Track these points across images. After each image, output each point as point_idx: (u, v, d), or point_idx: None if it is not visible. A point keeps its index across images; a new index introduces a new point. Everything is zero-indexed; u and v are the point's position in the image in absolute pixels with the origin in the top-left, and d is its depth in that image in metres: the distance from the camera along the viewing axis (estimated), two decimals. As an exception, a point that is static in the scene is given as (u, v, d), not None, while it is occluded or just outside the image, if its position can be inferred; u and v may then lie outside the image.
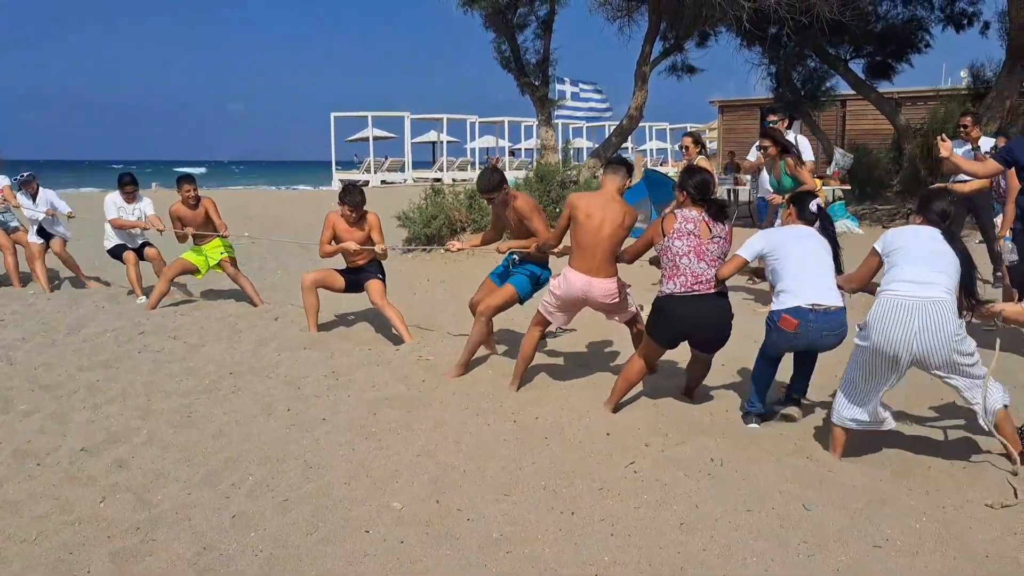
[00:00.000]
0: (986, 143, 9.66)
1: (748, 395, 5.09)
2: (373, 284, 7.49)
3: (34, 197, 10.24)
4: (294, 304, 9.00)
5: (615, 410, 5.23)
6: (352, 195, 7.31)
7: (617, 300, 5.54)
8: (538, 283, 6.20)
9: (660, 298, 5.03)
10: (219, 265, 9.09)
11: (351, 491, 4.13)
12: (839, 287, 4.78)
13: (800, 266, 4.73)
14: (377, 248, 7.43)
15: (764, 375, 4.99)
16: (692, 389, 5.52)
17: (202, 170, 68.33)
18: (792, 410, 5.02)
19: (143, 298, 9.16)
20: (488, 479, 4.23)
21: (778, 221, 7.51)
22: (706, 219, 4.97)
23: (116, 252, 9.57)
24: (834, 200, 15.89)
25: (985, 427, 4.23)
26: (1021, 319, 4.25)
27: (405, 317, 8.13)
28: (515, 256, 6.32)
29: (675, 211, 5.07)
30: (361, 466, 4.45)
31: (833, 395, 5.18)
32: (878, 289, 4.30)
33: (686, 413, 5.20)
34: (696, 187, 5.02)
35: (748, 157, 9.49)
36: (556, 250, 5.90)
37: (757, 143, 8.88)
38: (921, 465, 4.36)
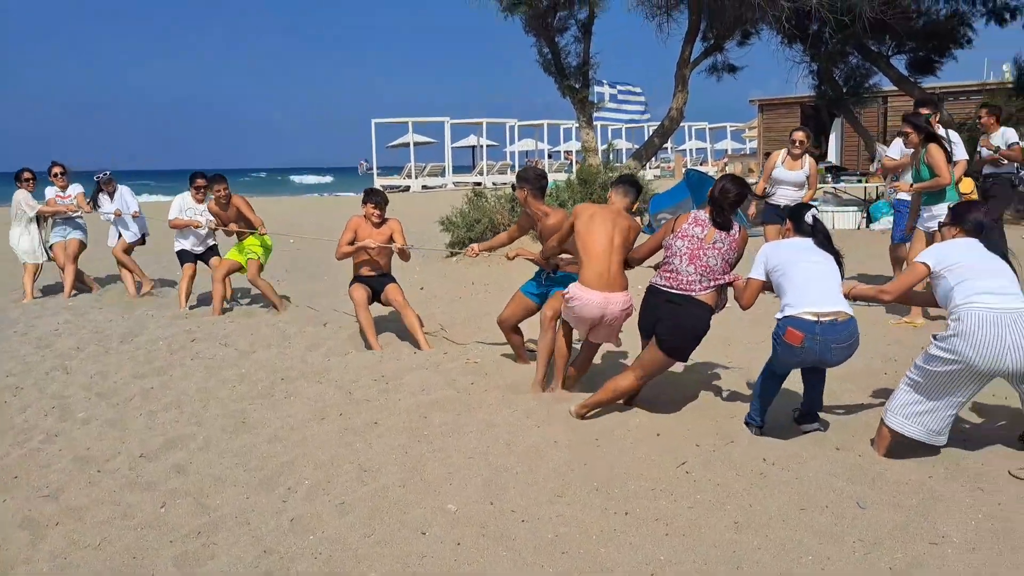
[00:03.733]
0: (1011, 135, 9.50)
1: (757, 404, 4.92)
2: (392, 287, 7.59)
3: (111, 196, 10.52)
4: (341, 310, 9.11)
5: (583, 416, 5.16)
6: (377, 195, 7.54)
7: (630, 315, 5.46)
8: None
9: (648, 286, 5.12)
10: (246, 265, 9.23)
11: (406, 493, 4.18)
12: (869, 297, 4.75)
13: (804, 276, 4.60)
14: (396, 247, 7.49)
15: (767, 390, 4.86)
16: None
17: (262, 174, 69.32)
18: (814, 427, 4.86)
19: (184, 309, 9.38)
20: (541, 481, 4.25)
21: (933, 225, 6.87)
22: (713, 224, 4.97)
23: (181, 258, 9.81)
24: (877, 197, 15.71)
25: None
26: None
27: (449, 320, 8.20)
28: (547, 272, 6.27)
29: (690, 212, 5.13)
30: (414, 469, 4.50)
31: (880, 394, 5.16)
32: (955, 304, 4.14)
33: (734, 413, 5.18)
34: (720, 193, 4.98)
35: (889, 153, 8.54)
36: (561, 258, 5.89)
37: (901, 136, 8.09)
38: (974, 462, 4.31)
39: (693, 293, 4.90)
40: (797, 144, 8.70)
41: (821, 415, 4.98)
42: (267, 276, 9.36)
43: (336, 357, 7.07)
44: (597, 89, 17.23)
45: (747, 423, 4.94)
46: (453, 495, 4.14)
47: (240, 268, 9.28)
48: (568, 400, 5.43)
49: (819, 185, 16.58)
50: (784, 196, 8.81)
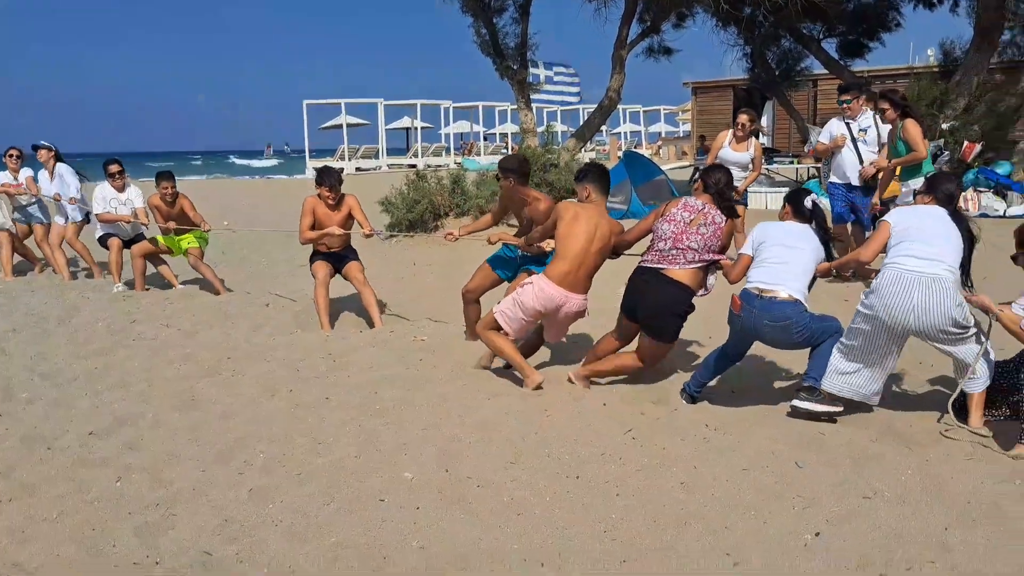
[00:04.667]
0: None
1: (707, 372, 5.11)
2: (354, 265, 7.58)
3: (50, 173, 10.23)
4: (282, 291, 9.11)
5: (588, 384, 5.37)
6: (329, 177, 7.35)
7: (584, 313, 5.60)
8: None
9: (635, 268, 5.30)
10: (186, 253, 9.21)
11: (362, 464, 4.26)
12: (847, 263, 4.99)
13: (770, 255, 4.86)
14: (363, 231, 7.49)
15: (712, 364, 5.07)
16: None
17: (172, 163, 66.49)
18: (801, 401, 4.67)
19: (120, 285, 9.25)
20: (494, 449, 4.38)
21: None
22: (706, 210, 5.15)
23: (103, 240, 9.61)
24: (808, 177, 16.14)
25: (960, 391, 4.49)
26: (1013, 327, 4.32)
27: (394, 300, 8.24)
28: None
29: (679, 198, 5.32)
30: (369, 441, 4.58)
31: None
32: (885, 261, 4.48)
33: (677, 384, 5.35)
34: (713, 182, 5.21)
35: (820, 138, 8.76)
36: (541, 246, 5.94)
37: (833, 124, 8.46)
38: (903, 424, 4.58)
39: (671, 266, 5.07)
40: (741, 126, 8.91)
41: (776, 385, 5.28)
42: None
43: (281, 336, 7.08)
44: (533, 71, 17.34)
45: (682, 391, 5.13)
46: (409, 464, 4.23)
47: (167, 251, 9.30)
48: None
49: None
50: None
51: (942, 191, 4.71)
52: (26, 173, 10.35)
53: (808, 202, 5.05)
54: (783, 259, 4.81)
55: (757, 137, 9.15)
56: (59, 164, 10.20)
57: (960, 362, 4.44)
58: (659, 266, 5.11)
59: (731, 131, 9.03)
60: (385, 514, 3.70)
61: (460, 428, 4.69)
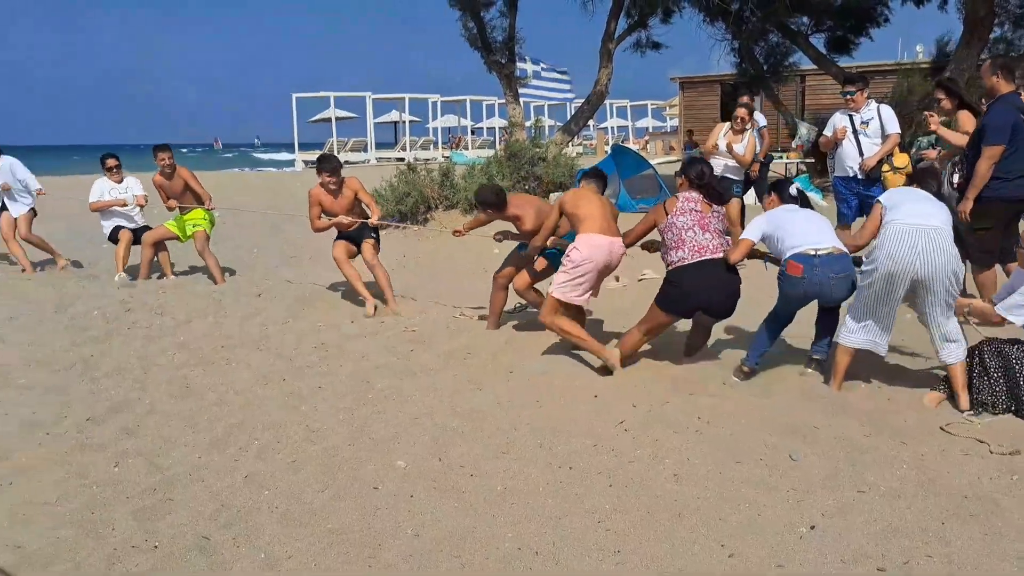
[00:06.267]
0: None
1: (744, 352, 5.36)
2: (368, 243, 7.74)
3: None
4: (273, 280, 9.13)
5: (608, 372, 5.42)
6: (329, 162, 7.57)
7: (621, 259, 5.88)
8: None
9: (672, 270, 5.29)
10: (192, 236, 9.18)
11: (356, 452, 4.31)
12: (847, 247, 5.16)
13: (799, 225, 5.12)
14: (372, 219, 7.68)
15: (765, 335, 5.27)
16: (694, 351, 5.75)
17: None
18: (811, 373, 5.26)
19: (122, 275, 9.12)
20: (486, 438, 4.43)
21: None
22: (706, 200, 5.35)
23: (114, 233, 9.48)
24: (797, 173, 16.22)
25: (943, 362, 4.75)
26: (986, 315, 4.55)
27: (381, 292, 8.31)
28: None
29: (676, 195, 5.46)
30: (361, 429, 4.63)
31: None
32: (883, 223, 4.74)
33: (669, 374, 5.39)
34: (696, 176, 5.36)
35: (825, 132, 8.57)
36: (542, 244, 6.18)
37: (836, 117, 8.37)
38: (897, 419, 4.61)
39: (717, 254, 5.25)
40: (738, 120, 9.02)
41: (768, 379, 5.31)
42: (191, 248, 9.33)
43: (274, 326, 7.10)
44: (521, 65, 17.36)
45: (741, 363, 5.28)
46: (401, 453, 4.28)
47: (174, 237, 9.24)
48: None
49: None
50: (723, 166, 9.10)
51: (928, 181, 5.11)
52: None
53: (792, 190, 5.39)
54: (813, 222, 5.16)
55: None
56: (6, 157, 9.65)
57: (940, 336, 4.66)
58: (713, 256, 5.22)
59: (728, 123, 9.16)
60: (379, 502, 3.74)
61: (452, 417, 4.74)
